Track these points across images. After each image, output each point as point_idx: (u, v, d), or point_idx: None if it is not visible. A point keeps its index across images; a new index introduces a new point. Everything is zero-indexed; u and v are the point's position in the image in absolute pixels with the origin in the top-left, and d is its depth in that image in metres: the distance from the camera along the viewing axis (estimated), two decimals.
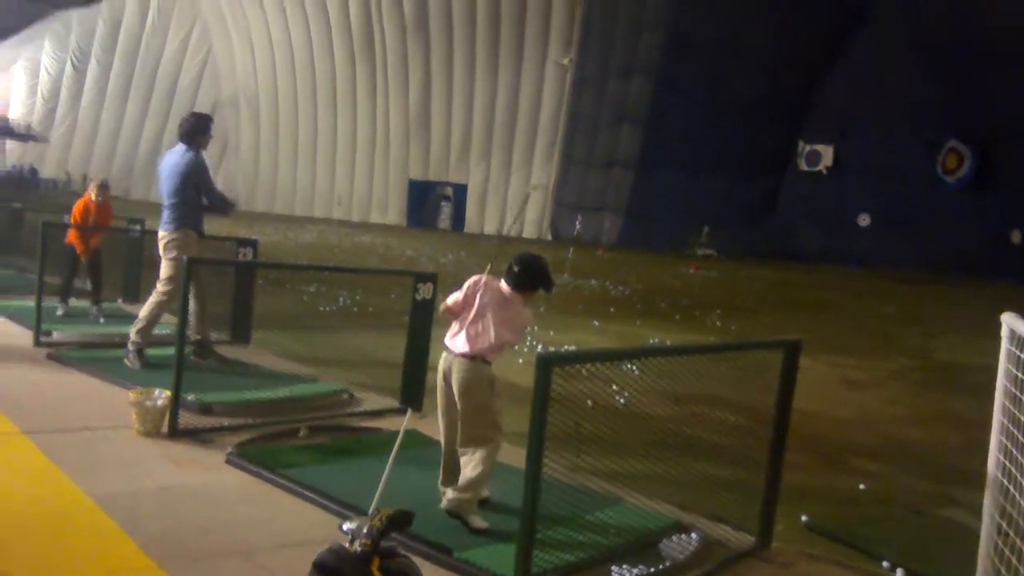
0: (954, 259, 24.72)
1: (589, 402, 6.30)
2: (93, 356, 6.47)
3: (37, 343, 6.78)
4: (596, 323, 11.96)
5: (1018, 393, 2.47)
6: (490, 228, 35.06)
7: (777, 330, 13.04)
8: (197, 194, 6.38)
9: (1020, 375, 2.47)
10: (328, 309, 11.74)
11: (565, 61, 31.02)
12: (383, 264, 19.84)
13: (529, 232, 33.99)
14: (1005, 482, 2.52)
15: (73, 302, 8.70)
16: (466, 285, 3.76)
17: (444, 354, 3.78)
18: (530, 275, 3.73)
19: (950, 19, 23.62)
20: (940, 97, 25.62)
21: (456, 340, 3.73)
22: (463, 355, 3.68)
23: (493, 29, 31.98)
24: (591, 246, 27.39)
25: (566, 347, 9.70)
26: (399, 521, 2.40)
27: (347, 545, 2.36)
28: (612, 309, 14.12)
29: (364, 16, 34.46)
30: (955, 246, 25.03)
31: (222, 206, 6.68)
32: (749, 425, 6.68)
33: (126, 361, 6.24)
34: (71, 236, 8.53)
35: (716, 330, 12.55)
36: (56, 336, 7.06)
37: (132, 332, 6.33)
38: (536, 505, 2.76)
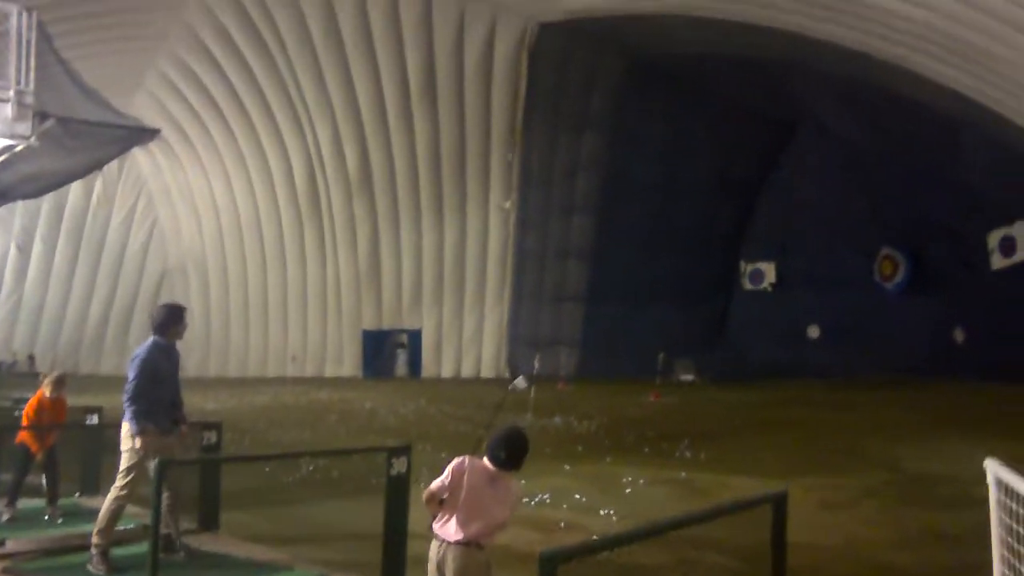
0: (904, 362, 25.24)
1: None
2: (53, 565, 6.17)
3: None
4: (567, 467, 11.81)
5: (1014, 543, 2.50)
6: (447, 371, 34.91)
7: (746, 455, 13.04)
8: (153, 386, 6.27)
9: (1014, 525, 2.50)
10: (293, 479, 11.41)
11: (507, 204, 31.92)
12: (342, 420, 19.54)
13: (487, 371, 33.91)
14: None
15: (24, 502, 8.31)
16: (450, 469, 3.69)
17: (435, 543, 3.67)
18: (518, 455, 3.71)
19: (866, 139, 25.15)
20: (869, 208, 26.89)
21: (448, 527, 3.61)
22: (457, 542, 3.56)
23: (435, 179, 32.90)
24: (550, 380, 27.38)
25: (540, 496, 9.55)
26: None
27: None
28: (580, 447, 14.00)
29: (308, 177, 35.23)
30: (903, 349, 25.62)
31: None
32: (740, 567, 6.58)
33: (89, 567, 5.95)
34: (22, 435, 8.25)
35: (686, 462, 12.49)
36: (10, 545, 6.68)
37: (94, 534, 6.07)
38: None
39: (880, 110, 22.19)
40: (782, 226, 29.30)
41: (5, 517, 7.90)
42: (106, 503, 6.18)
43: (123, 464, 6.18)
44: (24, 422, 8.39)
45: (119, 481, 6.15)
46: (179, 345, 6.74)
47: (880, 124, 23.13)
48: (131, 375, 6.21)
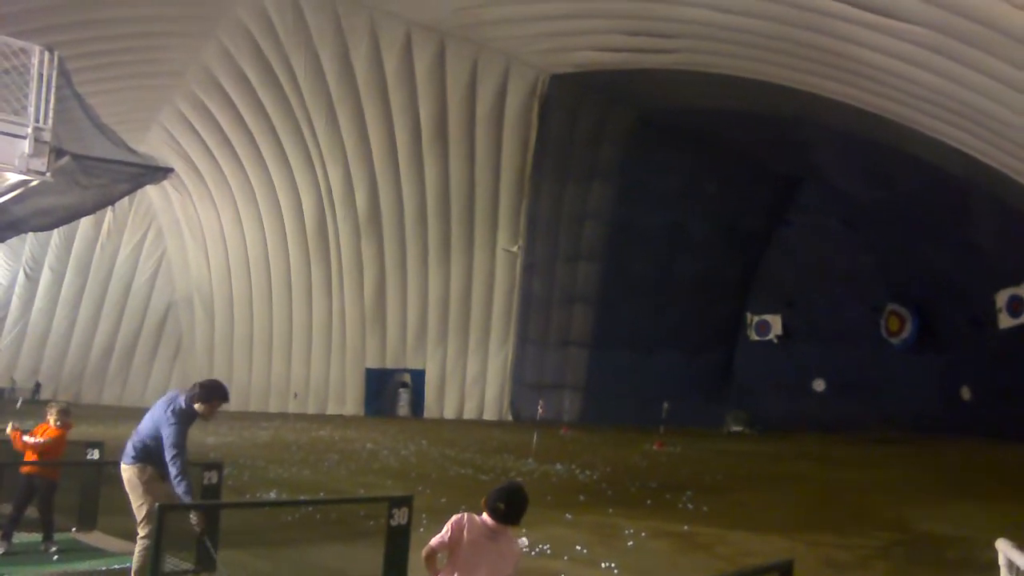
0: (909, 419, 25.12)
1: None
2: None
3: None
4: (569, 516, 11.69)
5: None
6: (450, 412, 34.76)
7: (749, 509, 12.90)
8: (183, 444, 6.26)
9: None
10: (292, 519, 11.31)
11: (514, 249, 32.10)
12: (343, 460, 19.42)
13: (489, 414, 33.76)
14: None
15: (21, 536, 8.21)
16: (450, 526, 3.63)
17: None
18: (517, 509, 3.67)
19: (874, 196, 25.27)
20: (876, 264, 26.96)
21: None
22: None
23: (443, 222, 33.12)
24: (553, 425, 27.21)
25: (540, 546, 9.44)
26: None
27: None
28: (582, 497, 13.86)
29: (318, 215, 35.44)
30: (909, 406, 25.50)
31: (183, 488, 6.15)
32: None
33: None
34: (26, 467, 8.24)
35: (688, 514, 12.35)
36: None
37: None
38: None
39: (889, 168, 22.35)
40: (788, 278, 29.36)
41: (1, 552, 7.83)
42: (137, 553, 6.15)
43: (139, 513, 6.17)
44: (19, 446, 8.38)
45: (142, 531, 6.13)
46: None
47: (888, 182, 23.29)
48: (173, 442, 6.11)
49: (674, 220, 29.27)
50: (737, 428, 27.09)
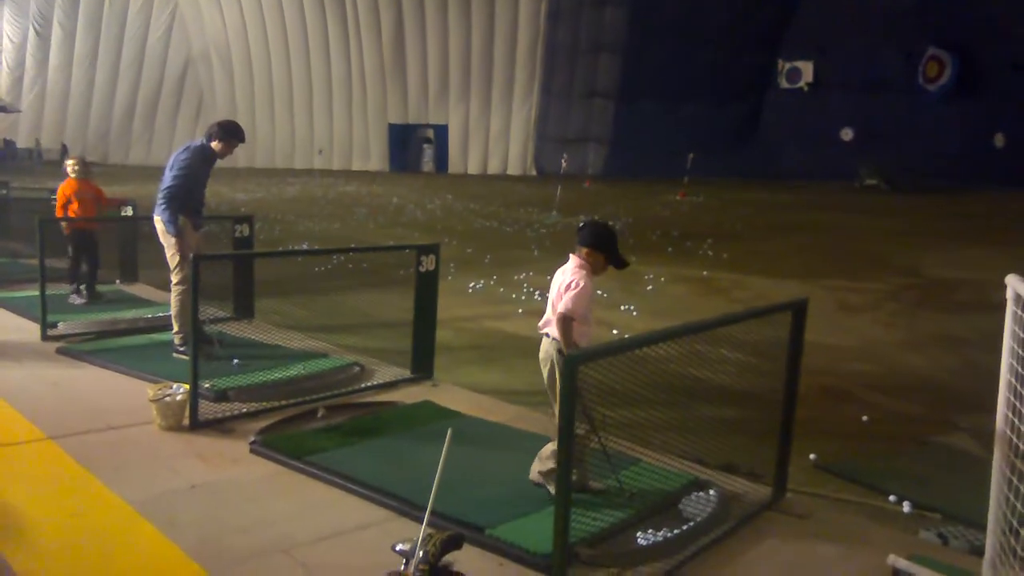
0: (939, 167, 24.83)
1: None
2: (103, 347, 6.49)
3: (44, 337, 6.79)
4: None
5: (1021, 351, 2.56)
6: (474, 168, 34.87)
7: (768, 256, 13.18)
8: (190, 190, 6.31)
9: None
10: (324, 269, 11.74)
11: None
12: (371, 213, 19.85)
13: (513, 169, 33.81)
14: (1014, 438, 2.64)
15: (58, 287, 8.54)
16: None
17: None
18: (591, 233, 3.82)
19: None
20: (917, 5, 25.39)
21: (541, 321, 3.94)
22: (542, 333, 3.88)
23: None
24: (576, 178, 27.29)
25: None
26: (452, 544, 2.49)
27: (401, 568, 2.45)
28: None
29: None
30: (940, 154, 25.12)
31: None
32: (751, 361, 6.83)
33: (175, 355, 6.24)
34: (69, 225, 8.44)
35: (708, 261, 12.66)
36: (62, 327, 7.05)
37: (174, 324, 6.36)
38: (569, 499, 2.84)
39: None
40: (823, 23, 27.84)
41: (79, 301, 8.29)
42: (172, 299, 6.39)
43: (172, 261, 6.34)
44: (59, 211, 8.54)
45: (174, 278, 6.33)
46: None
47: None
48: (174, 174, 6.20)
49: None
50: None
